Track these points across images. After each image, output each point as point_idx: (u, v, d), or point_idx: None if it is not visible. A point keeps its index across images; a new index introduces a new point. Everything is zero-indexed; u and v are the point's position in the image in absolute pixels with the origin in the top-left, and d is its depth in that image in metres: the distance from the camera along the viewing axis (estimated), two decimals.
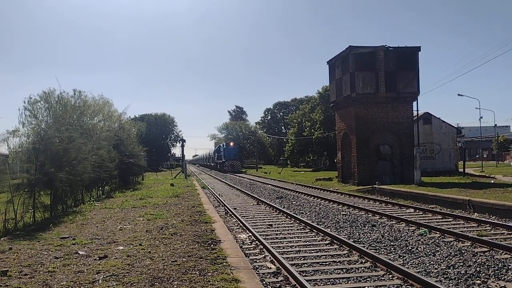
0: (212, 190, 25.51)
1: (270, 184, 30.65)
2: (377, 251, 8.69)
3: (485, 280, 6.57)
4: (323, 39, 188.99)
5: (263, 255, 8.46)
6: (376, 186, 22.46)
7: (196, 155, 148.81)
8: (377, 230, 11.00)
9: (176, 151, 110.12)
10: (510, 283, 6.45)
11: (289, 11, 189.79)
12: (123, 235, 9.57)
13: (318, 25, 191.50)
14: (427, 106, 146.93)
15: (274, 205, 16.31)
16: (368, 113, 25.88)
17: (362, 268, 7.38)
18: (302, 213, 14.76)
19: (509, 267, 7.20)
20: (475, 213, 13.67)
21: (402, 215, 13.24)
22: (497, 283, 6.42)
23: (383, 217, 13.16)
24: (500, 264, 7.34)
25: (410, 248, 8.87)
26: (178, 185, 28.29)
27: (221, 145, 67.78)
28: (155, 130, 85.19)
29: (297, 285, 6.42)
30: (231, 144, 62.92)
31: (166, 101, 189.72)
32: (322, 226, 11.71)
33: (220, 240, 8.73)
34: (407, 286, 6.37)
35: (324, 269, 7.37)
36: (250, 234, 10.66)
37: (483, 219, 12.02)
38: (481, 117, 66.47)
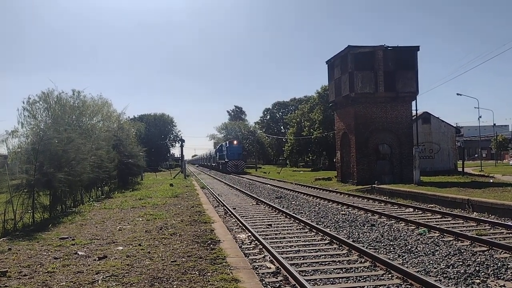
0: (212, 190, 25.51)
1: (270, 184, 30.65)
2: (377, 250, 8.69)
3: (485, 279, 6.58)
4: (322, 39, 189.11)
5: (263, 255, 8.46)
6: (375, 185, 22.47)
7: (195, 155, 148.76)
8: (376, 230, 11.01)
9: (175, 151, 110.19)
10: (509, 282, 6.46)
11: (288, 10, 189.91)
12: (122, 235, 9.56)
13: (318, 24, 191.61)
14: (426, 105, 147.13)
15: (274, 205, 16.31)
16: (367, 113, 25.91)
17: (362, 268, 7.39)
18: (302, 212, 14.77)
19: (508, 266, 7.21)
20: (474, 213, 13.68)
21: (402, 215, 13.25)
22: (497, 282, 6.43)
23: (382, 216, 13.17)
24: (499, 263, 7.35)
25: (409, 247, 8.88)
26: (178, 185, 28.28)
27: (223, 144, 63.23)
28: (154, 130, 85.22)
29: (296, 285, 6.43)
30: (235, 142, 57.92)
31: (165, 101, 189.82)
32: (321, 225, 11.71)
33: (219, 240, 8.73)
34: (407, 286, 6.37)
35: (324, 269, 7.38)
36: (250, 234, 10.66)
37: (482, 218, 12.04)
38: (480, 117, 66.40)
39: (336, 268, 7.37)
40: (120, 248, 8.13)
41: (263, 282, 6.58)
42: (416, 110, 26.91)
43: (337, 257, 8.20)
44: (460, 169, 31.86)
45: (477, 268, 7.12)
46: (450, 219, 12.54)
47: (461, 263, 7.49)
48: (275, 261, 7.77)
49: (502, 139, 75.30)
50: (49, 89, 21.13)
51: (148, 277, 6.08)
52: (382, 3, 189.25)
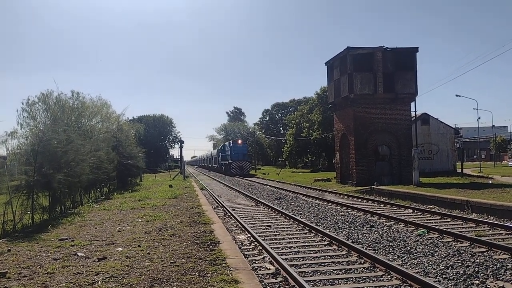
0: (211, 191, 25.50)
1: (269, 185, 30.66)
2: (376, 251, 8.70)
3: (484, 280, 6.59)
4: (321, 40, 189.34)
5: (262, 256, 8.46)
6: (374, 186, 22.49)
7: (194, 156, 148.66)
8: (375, 231, 11.02)
9: (175, 152, 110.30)
10: (509, 283, 6.48)
11: (287, 12, 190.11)
12: (122, 236, 9.56)
13: (317, 26, 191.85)
14: (425, 107, 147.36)
15: (273, 206, 16.31)
16: (366, 114, 25.93)
17: (361, 269, 7.39)
18: (301, 214, 14.78)
19: (508, 267, 7.22)
20: (473, 214, 13.70)
21: (401, 216, 13.26)
22: (496, 283, 6.44)
23: (381, 217, 13.18)
24: (498, 264, 7.37)
25: (408, 248, 8.89)
26: (177, 186, 28.28)
27: (226, 143, 57.81)
28: (154, 131, 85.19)
29: (296, 286, 6.43)
30: (239, 142, 52.82)
31: (165, 102, 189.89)
32: (321, 227, 11.72)
33: (219, 241, 8.73)
34: (406, 287, 6.38)
35: (323, 270, 7.38)
36: (249, 235, 10.66)
37: (481, 219, 12.06)
38: (479, 118, 66.68)
39: (336, 269, 7.38)
40: (120, 249, 8.13)
41: (263, 283, 6.58)
42: (415, 111, 26.94)
43: (337, 258, 8.21)
44: (459, 170, 31.90)
45: (476, 269, 7.13)
46: (449, 220, 12.55)
47: (460, 264, 7.50)
48: (274, 262, 7.77)
49: (501, 140, 75.49)
50: (48, 90, 21.05)
51: (147, 278, 6.08)
52: (381, 4, 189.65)
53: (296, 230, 11.50)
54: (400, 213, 14.25)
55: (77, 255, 7.69)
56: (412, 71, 26.22)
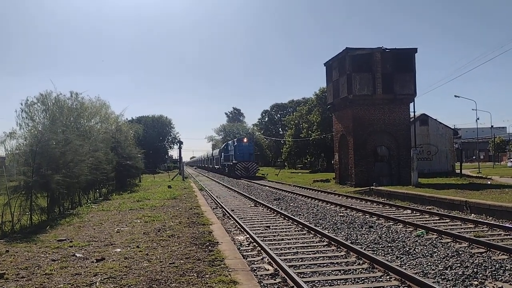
0: (210, 192, 25.48)
1: (268, 186, 30.64)
2: (375, 252, 8.69)
3: (483, 281, 6.59)
4: (320, 40, 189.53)
5: (261, 257, 8.45)
6: (373, 187, 22.49)
7: (193, 157, 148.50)
8: (374, 232, 11.01)
9: (174, 153, 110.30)
10: (507, 283, 6.48)
11: (286, 13, 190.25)
12: (120, 237, 9.55)
13: (315, 27, 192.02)
14: (424, 107, 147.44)
15: (272, 207, 16.30)
16: (365, 115, 25.94)
17: (360, 269, 7.39)
18: (300, 214, 14.77)
19: (506, 268, 7.23)
20: (472, 214, 13.70)
21: (400, 216, 13.26)
22: (495, 284, 6.44)
23: (380, 218, 13.18)
24: (497, 265, 7.37)
25: (407, 249, 8.88)
26: (176, 187, 28.26)
27: (229, 142, 51.86)
28: (153, 132, 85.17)
29: (295, 287, 6.42)
30: (245, 140, 47.19)
31: (163, 103, 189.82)
32: (319, 227, 11.71)
33: (217, 242, 8.72)
34: (405, 287, 6.38)
35: (322, 271, 7.37)
36: (248, 235, 10.65)
37: (480, 220, 12.06)
38: (478, 119, 66.93)
39: (335, 270, 7.37)
40: (118, 250, 8.11)
41: (262, 284, 6.58)
42: (414, 112, 26.98)
43: (336, 259, 8.20)
44: (458, 171, 31.95)
45: (475, 269, 7.13)
46: (448, 220, 12.56)
47: (459, 264, 7.50)
48: (273, 263, 7.76)
49: (499, 141, 75.58)
50: (47, 91, 21.01)
51: (146, 279, 6.07)
52: (379, 6, 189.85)
53: (295, 230, 11.49)
54: (399, 214, 14.25)
55: (76, 256, 7.67)
56: (411, 72, 26.24)
